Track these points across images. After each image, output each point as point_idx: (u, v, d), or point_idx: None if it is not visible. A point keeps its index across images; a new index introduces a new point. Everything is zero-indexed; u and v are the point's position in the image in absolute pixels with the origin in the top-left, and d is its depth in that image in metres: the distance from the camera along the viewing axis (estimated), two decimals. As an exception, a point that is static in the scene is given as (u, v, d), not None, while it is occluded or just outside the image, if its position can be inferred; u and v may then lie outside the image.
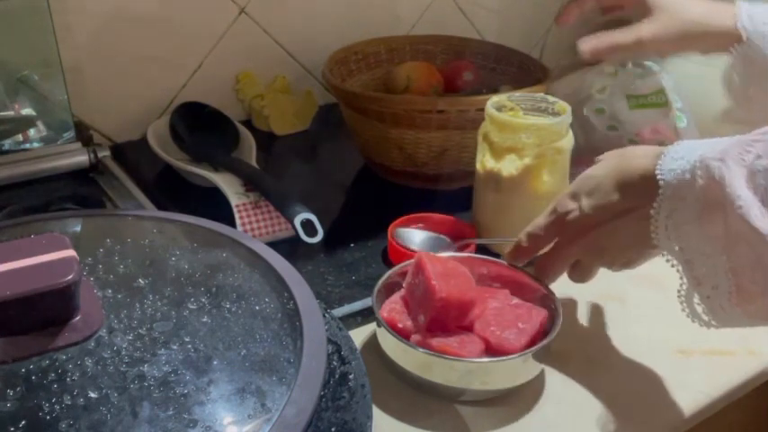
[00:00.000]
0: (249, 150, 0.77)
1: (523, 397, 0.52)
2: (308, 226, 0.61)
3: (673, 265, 0.47)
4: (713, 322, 0.46)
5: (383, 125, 0.73)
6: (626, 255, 0.53)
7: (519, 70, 0.88)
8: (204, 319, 0.38)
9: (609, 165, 0.52)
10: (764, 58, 0.68)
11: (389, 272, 0.56)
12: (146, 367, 0.34)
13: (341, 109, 0.80)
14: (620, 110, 0.78)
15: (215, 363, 0.35)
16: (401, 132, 0.72)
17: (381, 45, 0.91)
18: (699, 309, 0.46)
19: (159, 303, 0.39)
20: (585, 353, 0.57)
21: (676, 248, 0.46)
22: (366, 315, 0.58)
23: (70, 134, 0.76)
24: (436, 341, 0.49)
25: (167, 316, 0.38)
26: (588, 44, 0.71)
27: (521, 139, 0.61)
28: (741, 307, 0.44)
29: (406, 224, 0.66)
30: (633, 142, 0.76)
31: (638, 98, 0.77)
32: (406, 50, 0.92)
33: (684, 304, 0.47)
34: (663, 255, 0.48)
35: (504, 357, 0.49)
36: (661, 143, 0.76)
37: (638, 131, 0.77)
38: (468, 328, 0.51)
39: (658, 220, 0.46)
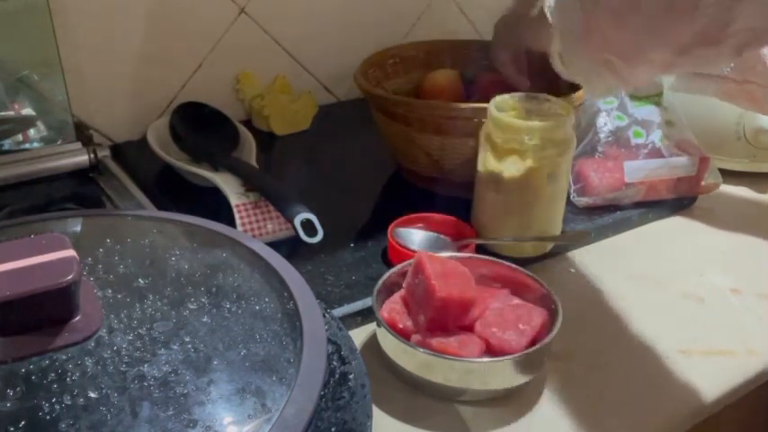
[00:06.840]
0: (249, 150, 0.77)
1: (523, 397, 0.52)
2: (308, 226, 0.61)
3: None
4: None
5: (409, 129, 0.72)
6: None
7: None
8: (204, 319, 0.38)
9: None
10: None
11: (389, 272, 0.56)
12: (146, 367, 0.34)
13: (372, 113, 0.78)
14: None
15: (215, 363, 0.35)
16: (428, 138, 0.71)
17: (420, 49, 0.88)
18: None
19: (159, 303, 0.39)
20: (585, 353, 0.57)
21: None
22: (366, 315, 0.58)
23: (70, 134, 0.76)
24: (436, 341, 0.49)
25: (167, 316, 0.38)
26: None
27: (523, 141, 0.61)
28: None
29: (406, 224, 0.66)
30: (637, 134, 0.76)
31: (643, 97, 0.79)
32: (445, 55, 0.89)
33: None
34: None
35: (504, 357, 0.49)
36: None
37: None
38: (469, 328, 0.51)
39: None
